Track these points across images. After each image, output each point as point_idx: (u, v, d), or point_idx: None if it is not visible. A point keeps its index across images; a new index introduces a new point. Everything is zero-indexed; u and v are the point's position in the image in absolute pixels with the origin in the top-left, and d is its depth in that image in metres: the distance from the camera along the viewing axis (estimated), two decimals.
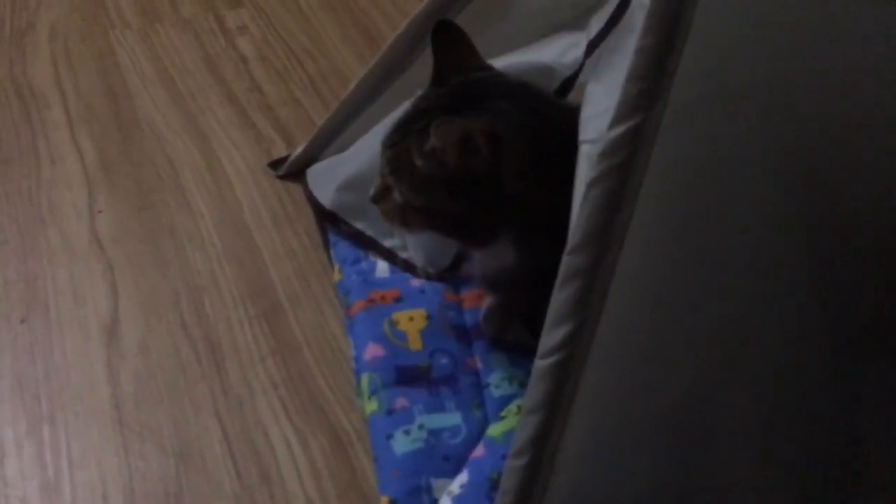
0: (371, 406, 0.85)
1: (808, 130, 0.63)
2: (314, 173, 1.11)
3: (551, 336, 0.62)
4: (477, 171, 0.77)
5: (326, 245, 1.04)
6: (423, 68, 0.88)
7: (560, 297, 0.62)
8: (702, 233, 0.63)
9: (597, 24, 0.80)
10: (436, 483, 0.79)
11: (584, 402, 0.64)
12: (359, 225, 1.03)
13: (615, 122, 0.59)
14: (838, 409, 0.70)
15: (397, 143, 0.82)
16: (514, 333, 0.92)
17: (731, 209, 0.63)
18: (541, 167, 0.77)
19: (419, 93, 0.84)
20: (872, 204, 0.66)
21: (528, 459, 0.65)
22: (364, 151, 1.01)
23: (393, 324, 0.92)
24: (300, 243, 1.06)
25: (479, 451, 0.81)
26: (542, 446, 0.64)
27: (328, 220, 1.06)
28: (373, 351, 0.89)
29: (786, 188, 0.63)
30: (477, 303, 0.95)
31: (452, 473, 0.80)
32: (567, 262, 0.61)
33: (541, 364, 0.63)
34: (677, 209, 0.62)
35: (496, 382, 0.88)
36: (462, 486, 0.78)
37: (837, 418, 0.70)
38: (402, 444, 0.81)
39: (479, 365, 0.90)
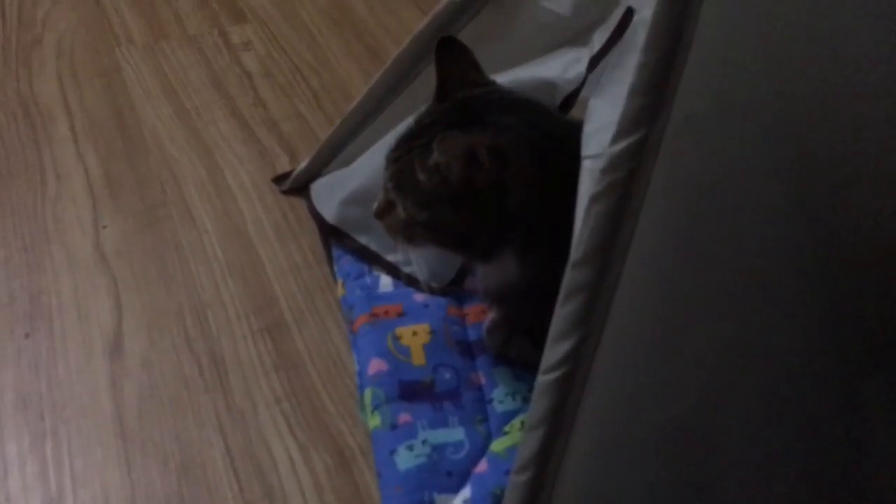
0: (374, 421, 0.85)
1: (811, 145, 0.63)
2: (318, 188, 1.11)
3: (554, 351, 0.62)
4: (480, 186, 0.77)
5: (330, 260, 1.04)
6: (426, 84, 0.88)
7: (563, 311, 0.62)
8: (705, 247, 0.63)
9: (599, 39, 0.81)
10: (439, 498, 0.78)
11: (587, 417, 0.64)
12: (362, 239, 1.03)
13: (617, 138, 0.59)
14: (843, 423, 0.69)
15: (401, 158, 0.82)
16: (517, 348, 0.91)
17: (733, 224, 0.63)
18: (544, 182, 0.77)
19: (422, 108, 0.85)
20: (876, 217, 0.66)
21: (531, 475, 0.65)
22: (367, 166, 1.01)
23: (396, 338, 0.92)
24: (304, 258, 1.07)
25: (482, 466, 0.81)
26: (545, 462, 0.64)
27: (332, 235, 1.06)
28: (376, 366, 0.89)
29: (789, 203, 0.63)
30: (481, 317, 0.95)
31: (456, 489, 0.79)
32: (570, 277, 0.61)
33: (544, 379, 0.63)
34: (680, 224, 0.62)
35: (499, 397, 0.87)
36: (465, 502, 0.78)
37: (842, 433, 0.70)
38: (405, 459, 0.81)
39: (483, 380, 0.90)
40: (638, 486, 0.68)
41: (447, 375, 0.89)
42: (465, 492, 0.79)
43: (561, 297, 0.62)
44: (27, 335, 0.98)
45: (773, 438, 0.68)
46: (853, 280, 0.66)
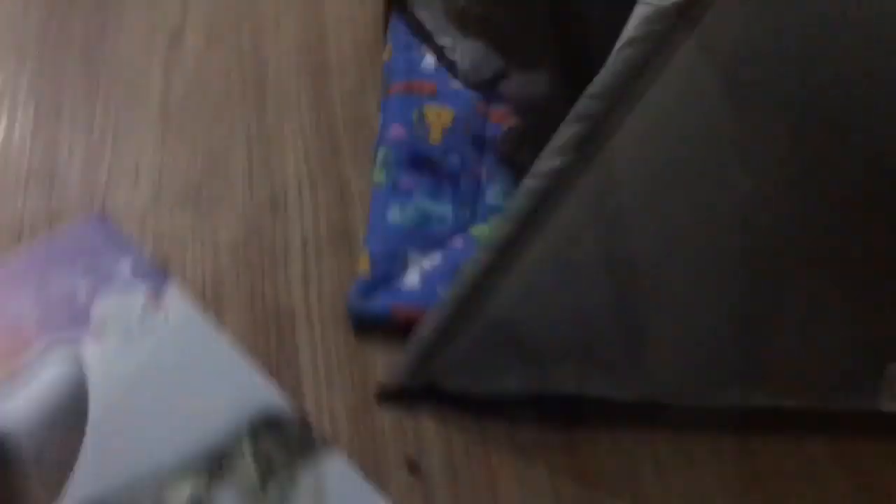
0: (379, 177, 0.94)
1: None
2: None
3: (544, 163, 0.69)
4: None
5: (385, 23, 1.08)
6: None
7: (564, 131, 0.67)
8: (708, 118, 0.67)
9: None
10: (412, 255, 0.88)
11: (554, 231, 0.70)
12: (422, 14, 1.07)
13: None
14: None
15: None
16: (525, 158, 0.97)
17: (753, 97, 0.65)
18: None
19: None
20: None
21: (488, 260, 0.72)
22: None
23: (422, 114, 0.99)
24: (363, 12, 1.11)
25: (458, 242, 0.90)
26: (504, 251, 0.72)
27: (395, 1, 1.10)
28: (397, 131, 0.97)
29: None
30: (502, 121, 1.01)
31: (428, 252, 0.89)
32: (581, 103, 0.66)
33: (527, 183, 0.70)
34: (700, 89, 0.66)
35: (494, 193, 0.95)
36: (432, 266, 0.88)
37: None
38: (395, 215, 0.91)
39: (484, 176, 0.97)
40: (581, 292, 0.75)
41: (455, 160, 0.97)
42: (436, 257, 0.89)
43: (568, 117, 0.66)
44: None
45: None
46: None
